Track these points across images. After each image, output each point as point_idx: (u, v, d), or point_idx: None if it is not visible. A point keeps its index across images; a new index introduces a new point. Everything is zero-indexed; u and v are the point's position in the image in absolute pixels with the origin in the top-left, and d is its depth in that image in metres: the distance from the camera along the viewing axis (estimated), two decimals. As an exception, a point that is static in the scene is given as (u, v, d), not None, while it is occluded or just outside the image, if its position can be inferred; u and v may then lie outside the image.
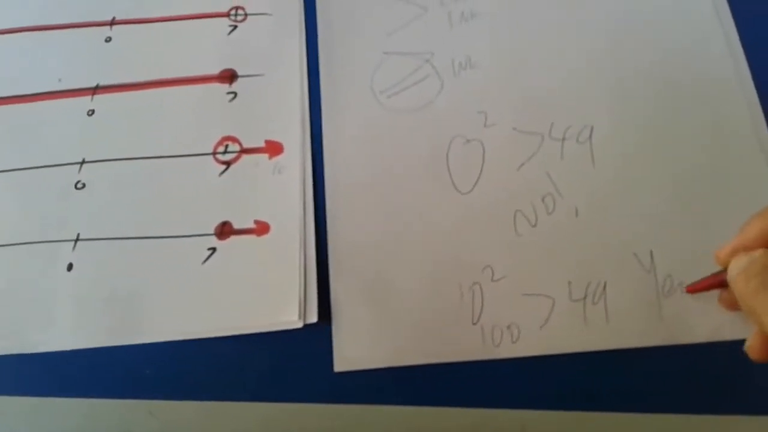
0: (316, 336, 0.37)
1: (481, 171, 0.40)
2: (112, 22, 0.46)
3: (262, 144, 0.42)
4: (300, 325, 0.36)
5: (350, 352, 0.37)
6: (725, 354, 0.34)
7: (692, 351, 0.35)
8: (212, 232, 0.39)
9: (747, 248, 0.30)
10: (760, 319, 0.29)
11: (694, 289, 0.35)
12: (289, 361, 0.37)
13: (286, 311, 0.37)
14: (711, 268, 0.33)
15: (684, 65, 0.42)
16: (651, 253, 0.37)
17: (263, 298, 0.37)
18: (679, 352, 0.35)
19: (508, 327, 0.36)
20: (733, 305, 0.34)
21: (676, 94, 0.41)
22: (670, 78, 0.42)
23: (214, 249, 0.39)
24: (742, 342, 0.31)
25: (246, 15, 0.46)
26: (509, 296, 0.37)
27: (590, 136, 0.40)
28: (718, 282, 0.34)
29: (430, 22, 0.45)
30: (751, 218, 0.31)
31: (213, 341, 0.37)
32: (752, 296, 0.29)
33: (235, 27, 0.46)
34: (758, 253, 0.30)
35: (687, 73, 0.42)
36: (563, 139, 0.41)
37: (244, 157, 0.41)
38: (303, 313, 0.37)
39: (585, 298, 0.37)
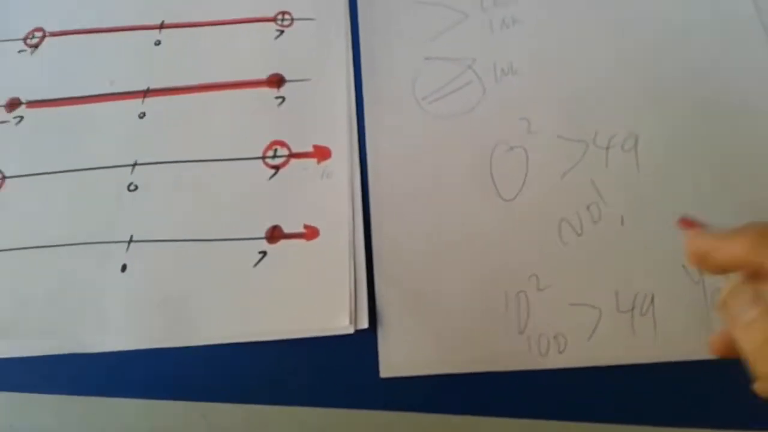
0: (363, 342, 0.38)
1: (525, 178, 0.41)
2: (162, 26, 0.47)
3: (310, 149, 0.42)
4: (351, 330, 0.37)
5: (396, 359, 0.37)
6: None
7: (742, 365, 0.35)
8: (263, 235, 0.40)
9: None
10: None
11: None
12: (336, 367, 0.38)
13: (337, 317, 0.37)
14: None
15: (727, 71, 0.42)
16: (698, 264, 0.37)
17: (313, 302, 0.38)
18: (730, 366, 0.35)
19: (555, 337, 0.37)
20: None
21: (720, 100, 0.41)
22: (714, 84, 0.42)
23: (264, 252, 0.39)
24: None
25: (292, 20, 0.47)
26: (555, 305, 0.37)
27: (635, 145, 0.41)
28: None
29: (471, 28, 0.45)
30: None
31: (262, 345, 0.38)
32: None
33: (282, 32, 0.46)
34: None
35: (731, 80, 0.42)
36: (608, 147, 0.41)
37: (293, 161, 0.42)
38: (354, 318, 0.37)
39: (633, 309, 0.37)
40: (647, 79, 0.42)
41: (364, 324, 0.37)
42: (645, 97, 0.42)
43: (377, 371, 0.37)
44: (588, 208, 0.39)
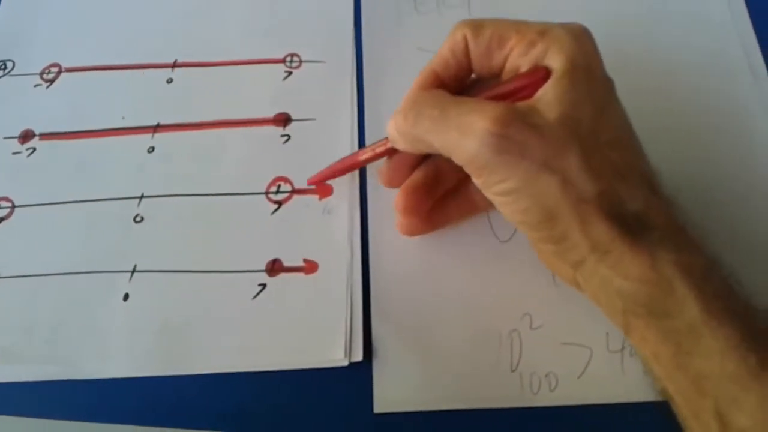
0: (357, 377, 0.38)
1: (522, 220, 0.42)
2: (174, 65, 0.49)
3: (312, 185, 0.43)
4: (345, 363, 0.38)
5: (390, 394, 0.38)
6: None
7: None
8: (263, 268, 0.41)
9: None
10: (426, 139, 0.31)
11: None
12: (330, 401, 0.38)
13: (332, 349, 0.38)
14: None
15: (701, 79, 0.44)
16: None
17: (310, 334, 0.39)
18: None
19: (546, 375, 0.37)
20: (390, 178, 0.38)
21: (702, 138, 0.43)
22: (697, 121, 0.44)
23: (264, 285, 0.40)
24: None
25: (301, 62, 0.48)
26: (548, 345, 0.38)
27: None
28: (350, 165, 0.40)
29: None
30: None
31: (258, 375, 0.39)
32: (413, 126, 0.32)
33: (290, 73, 0.48)
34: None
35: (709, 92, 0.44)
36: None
37: (296, 197, 0.43)
38: (348, 351, 0.38)
39: (622, 349, 0.38)
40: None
41: (358, 357, 0.38)
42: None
43: (371, 406, 0.38)
44: (582, 250, 0.40)
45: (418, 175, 0.38)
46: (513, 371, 0.38)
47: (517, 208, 0.31)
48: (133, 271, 0.41)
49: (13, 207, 0.43)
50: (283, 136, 0.45)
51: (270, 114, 0.46)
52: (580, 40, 0.31)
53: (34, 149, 0.46)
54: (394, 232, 0.41)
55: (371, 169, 0.44)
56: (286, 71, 0.48)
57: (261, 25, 0.50)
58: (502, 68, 0.33)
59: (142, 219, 0.43)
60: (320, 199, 0.43)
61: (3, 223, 0.43)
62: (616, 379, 0.37)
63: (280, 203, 0.43)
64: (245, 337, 0.39)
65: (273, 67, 0.48)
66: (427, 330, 0.39)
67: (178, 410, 0.38)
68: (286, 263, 0.41)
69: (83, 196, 0.44)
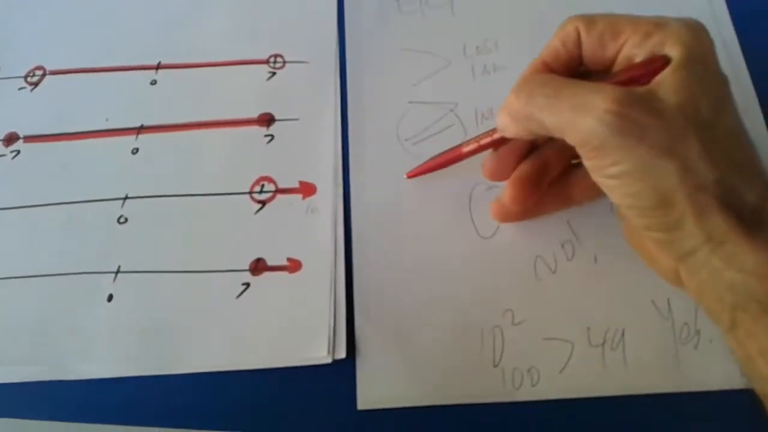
0: (341, 374, 0.39)
1: (503, 217, 0.42)
2: (158, 66, 0.49)
3: (296, 185, 0.44)
4: (329, 360, 0.38)
5: (374, 391, 0.38)
6: (739, 402, 0.35)
7: (708, 398, 0.36)
8: (247, 267, 0.41)
9: None
10: (539, 118, 0.31)
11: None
12: (314, 398, 0.38)
13: (316, 347, 0.38)
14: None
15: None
16: (668, 301, 0.39)
17: (294, 333, 0.39)
18: (695, 398, 0.36)
19: (528, 370, 0.38)
20: (494, 170, 0.38)
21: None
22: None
23: (248, 284, 0.41)
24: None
25: (284, 62, 0.49)
26: (529, 340, 0.38)
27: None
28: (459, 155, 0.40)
29: (454, 74, 0.47)
30: None
31: (243, 373, 0.39)
32: (525, 104, 0.31)
33: (274, 74, 0.48)
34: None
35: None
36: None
37: (279, 196, 0.43)
38: (332, 349, 0.38)
39: (604, 343, 0.38)
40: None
41: (341, 354, 0.38)
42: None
43: (355, 403, 0.38)
44: (563, 246, 0.41)
45: (526, 166, 0.38)
46: (495, 366, 0.38)
47: (628, 191, 0.30)
48: (117, 272, 0.41)
49: (-2, 209, 0.44)
50: (266, 136, 0.46)
51: (254, 114, 0.46)
52: (698, 33, 0.30)
53: (19, 152, 0.46)
54: (378, 231, 0.42)
55: (356, 168, 0.44)
56: (269, 72, 0.48)
57: (244, 26, 0.51)
58: (614, 60, 0.33)
59: (126, 220, 0.43)
60: (304, 198, 0.43)
61: (-12, 225, 0.43)
62: (597, 374, 0.37)
63: (263, 203, 0.43)
64: (229, 336, 0.39)
65: (257, 67, 0.49)
66: (410, 327, 0.39)
67: (163, 409, 0.39)
68: (270, 262, 0.41)
69: (67, 197, 0.44)
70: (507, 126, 0.34)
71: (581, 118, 0.29)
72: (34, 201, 0.44)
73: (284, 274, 0.41)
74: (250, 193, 0.44)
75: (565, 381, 0.37)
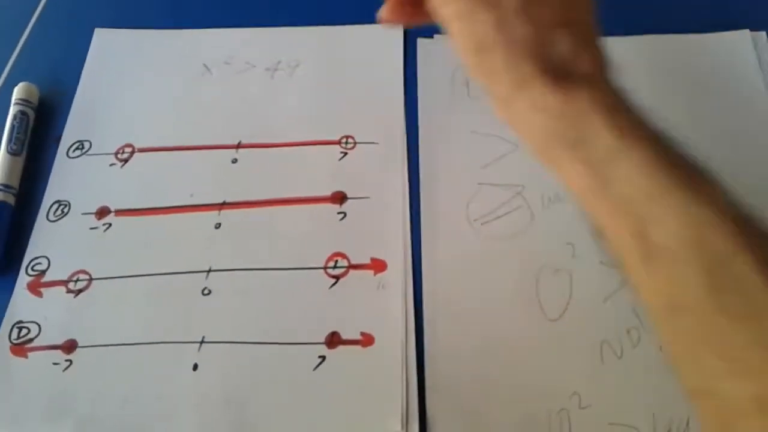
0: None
1: (570, 300, 0.44)
2: (239, 146, 0.52)
3: (368, 261, 0.46)
4: (402, 435, 0.40)
5: (443, 469, 0.39)
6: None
7: None
8: (323, 341, 0.43)
9: None
10: None
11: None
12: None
13: (389, 420, 0.40)
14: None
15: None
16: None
17: (367, 406, 0.41)
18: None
19: (596, 455, 0.39)
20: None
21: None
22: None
23: (324, 357, 0.43)
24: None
25: (355, 143, 0.52)
26: (596, 424, 0.39)
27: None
28: None
29: (521, 157, 0.49)
30: None
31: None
32: None
33: (346, 154, 0.51)
34: None
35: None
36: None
37: (352, 272, 0.46)
38: (405, 423, 0.40)
39: (669, 431, 0.39)
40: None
41: (415, 429, 0.40)
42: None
43: (425, 480, 0.39)
44: (628, 332, 0.42)
45: None
46: (563, 449, 0.39)
47: (454, 30, 0.33)
48: (202, 342, 0.44)
49: (91, 279, 0.47)
50: (339, 213, 0.48)
51: (327, 192, 0.49)
52: None
53: (110, 225, 0.49)
54: (448, 308, 0.43)
55: (427, 246, 0.46)
56: (341, 152, 0.51)
57: (317, 109, 0.54)
58: None
59: (210, 292, 0.46)
60: (375, 274, 0.46)
61: (81, 294, 0.46)
62: (663, 460, 0.38)
63: (337, 278, 0.46)
64: (307, 407, 0.41)
65: (329, 148, 0.52)
66: (479, 406, 0.41)
67: (241, 478, 0.40)
68: (344, 336, 0.43)
69: (155, 269, 0.47)
70: None
71: None
72: (123, 272, 0.47)
73: (358, 347, 0.43)
74: (325, 268, 0.46)
75: (631, 466, 0.38)
